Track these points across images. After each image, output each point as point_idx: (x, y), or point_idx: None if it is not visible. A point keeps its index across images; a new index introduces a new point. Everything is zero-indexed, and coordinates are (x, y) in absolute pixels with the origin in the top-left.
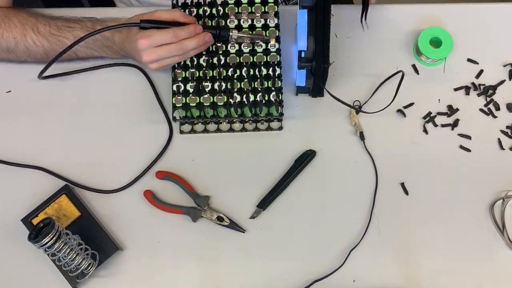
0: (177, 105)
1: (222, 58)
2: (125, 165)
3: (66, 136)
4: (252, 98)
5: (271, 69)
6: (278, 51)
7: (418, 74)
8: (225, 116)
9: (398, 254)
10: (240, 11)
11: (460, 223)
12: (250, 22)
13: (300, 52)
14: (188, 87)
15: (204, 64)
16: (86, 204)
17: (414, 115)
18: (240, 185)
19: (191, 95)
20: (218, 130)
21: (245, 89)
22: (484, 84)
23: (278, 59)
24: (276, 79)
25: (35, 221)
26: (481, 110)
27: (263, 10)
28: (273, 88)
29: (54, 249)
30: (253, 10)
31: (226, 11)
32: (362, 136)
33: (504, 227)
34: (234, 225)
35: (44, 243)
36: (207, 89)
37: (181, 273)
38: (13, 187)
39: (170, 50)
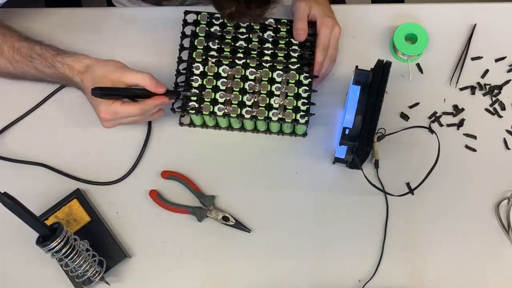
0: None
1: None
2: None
3: (72, 136)
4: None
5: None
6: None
7: (422, 73)
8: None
9: (404, 253)
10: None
11: (466, 223)
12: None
13: (344, 129)
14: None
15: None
16: (96, 209)
17: (420, 115)
18: (245, 185)
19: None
20: (229, 128)
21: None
22: (490, 84)
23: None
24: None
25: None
26: (487, 110)
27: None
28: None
29: (61, 254)
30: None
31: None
32: (376, 164)
33: (509, 226)
34: (239, 225)
35: (51, 247)
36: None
37: (186, 273)
38: (21, 187)
39: (133, 120)
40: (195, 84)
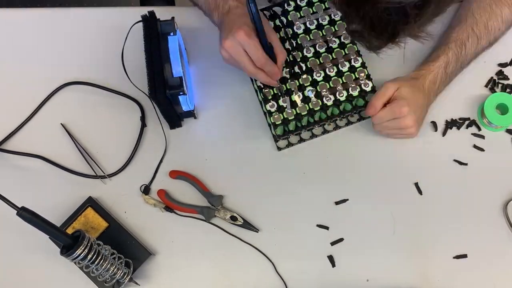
0: (276, 123)
1: (303, 65)
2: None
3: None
4: (345, 94)
5: (352, 60)
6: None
7: None
8: (320, 120)
9: (412, 253)
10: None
11: (473, 222)
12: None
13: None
14: (280, 102)
15: (288, 76)
16: (112, 213)
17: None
18: (253, 185)
19: (286, 109)
20: (312, 136)
21: (337, 88)
22: (502, 83)
23: (356, 49)
24: (362, 67)
25: None
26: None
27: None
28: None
29: (87, 260)
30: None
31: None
32: None
33: None
34: (247, 225)
35: (77, 255)
36: (299, 100)
37: (195, 273)
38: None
39: (244, 64)
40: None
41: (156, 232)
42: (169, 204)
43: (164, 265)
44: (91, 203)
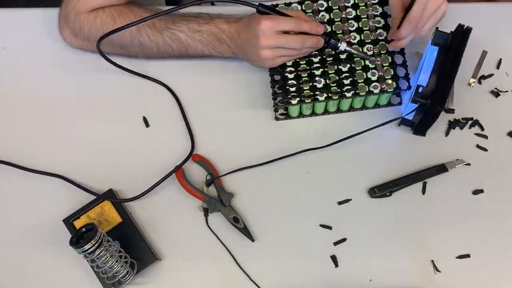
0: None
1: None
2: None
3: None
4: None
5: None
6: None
7: None
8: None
9: (415, 253)
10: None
11: (477, 222)
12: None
13: (418, 86)
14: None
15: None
16: (128, 210)
17: None
18: (258, 184)
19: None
20: (326, 112)
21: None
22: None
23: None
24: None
25: (76, 223)
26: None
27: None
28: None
29: (94, 255)
30: (360, 25)
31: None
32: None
33: None
34: (246, 231)
35: (85, 249)
36: (319, 85)
37: (198, 273)
38: (56, 187)
39: (289, 40)
40: (290, 76)
41: (162, 231)
42: (182, 183)
43: (166, 268)
44: (110, 195)
